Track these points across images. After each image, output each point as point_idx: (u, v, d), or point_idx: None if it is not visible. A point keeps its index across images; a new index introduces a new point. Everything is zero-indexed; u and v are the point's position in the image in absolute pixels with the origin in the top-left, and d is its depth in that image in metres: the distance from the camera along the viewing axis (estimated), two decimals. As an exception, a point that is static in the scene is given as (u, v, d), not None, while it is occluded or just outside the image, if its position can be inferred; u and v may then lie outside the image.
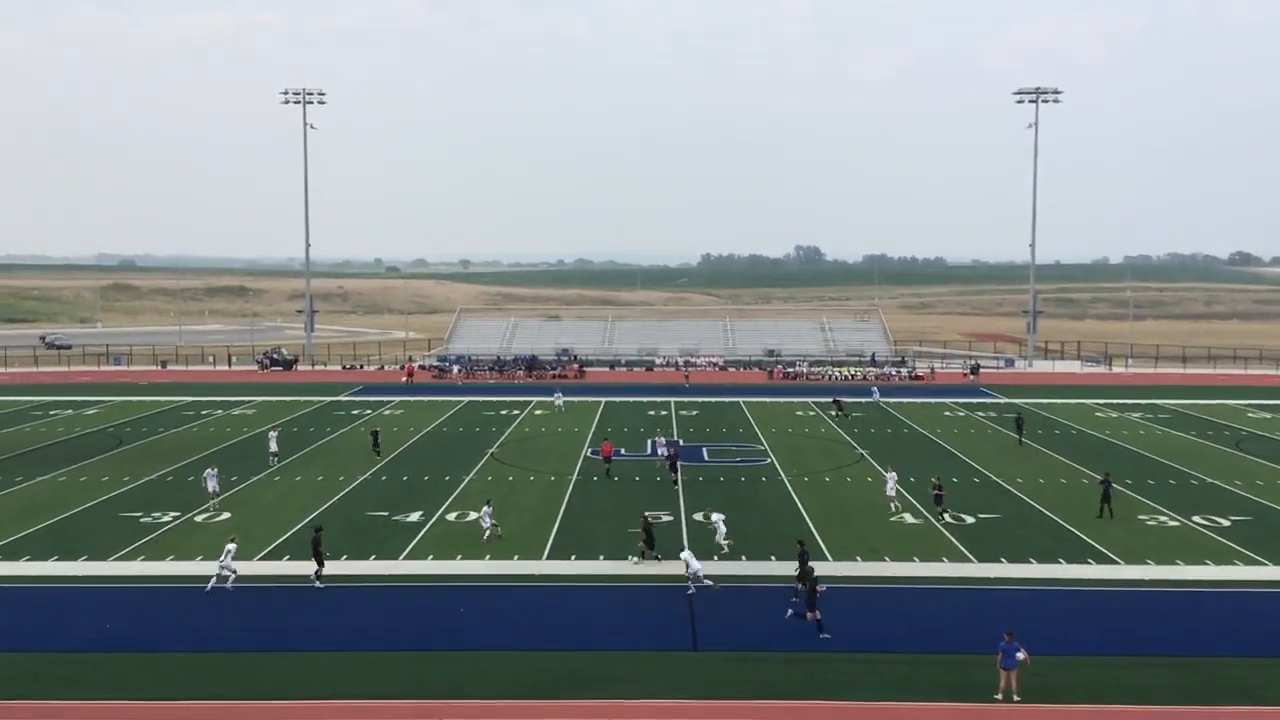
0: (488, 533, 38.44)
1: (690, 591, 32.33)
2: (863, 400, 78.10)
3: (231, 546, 33.86)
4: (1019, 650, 24.83)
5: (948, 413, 73.15)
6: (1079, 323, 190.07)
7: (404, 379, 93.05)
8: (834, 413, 71.30)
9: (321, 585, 33.46)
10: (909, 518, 42.03)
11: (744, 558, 36.28)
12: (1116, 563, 36.03)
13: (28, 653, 27.77)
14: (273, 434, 55.54)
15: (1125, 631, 29.52)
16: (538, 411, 73.04)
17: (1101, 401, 78.64)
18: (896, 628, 29.61)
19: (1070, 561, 36.15)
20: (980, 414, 72.36)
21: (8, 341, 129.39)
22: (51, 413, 72.69)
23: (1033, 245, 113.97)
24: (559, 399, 75.16)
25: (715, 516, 38.12)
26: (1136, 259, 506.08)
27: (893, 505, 42.88)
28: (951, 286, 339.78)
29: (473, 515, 42.34)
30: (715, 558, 35.92)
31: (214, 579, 33.12)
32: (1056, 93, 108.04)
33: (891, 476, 44.03)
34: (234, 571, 33.20)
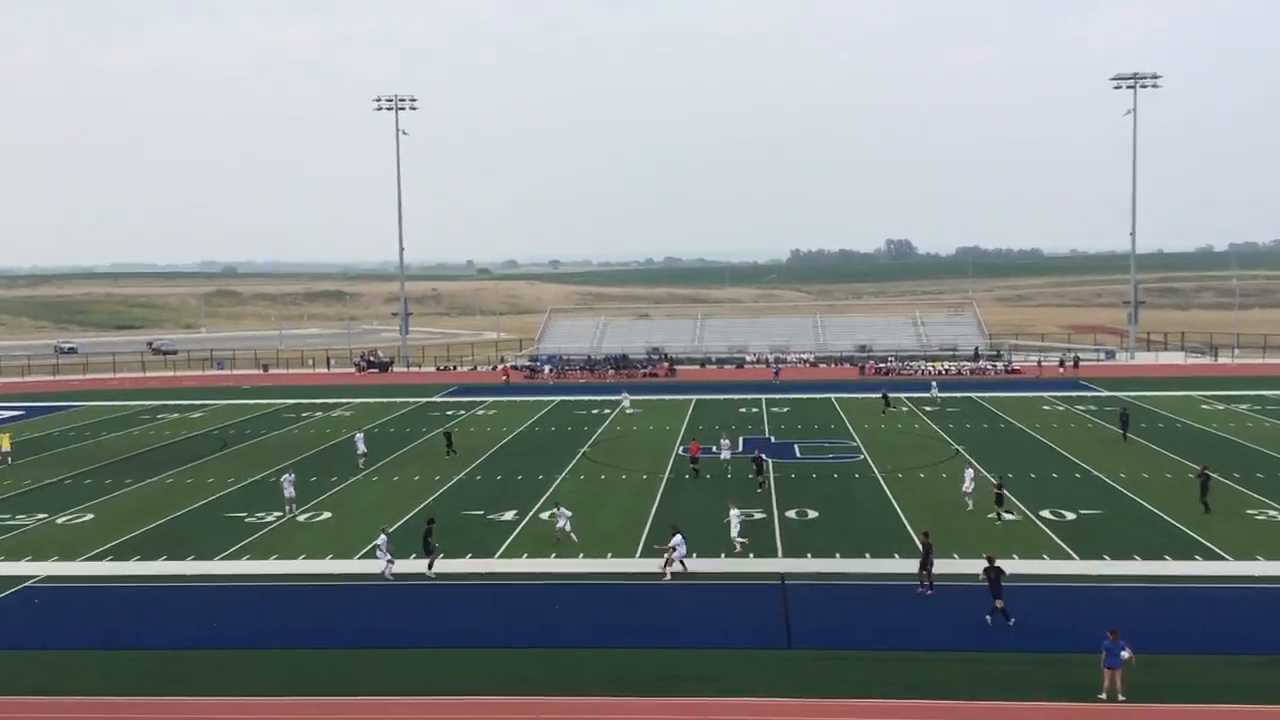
0: (560, 535, 38.51)
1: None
2: (920, 395, 76.99)
3: (383, 539, 34.72)
4: (1123, 649, 24.22)
5: (1046, 407, 71.67)
6: (1183, 313, 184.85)
7: (502, 379, 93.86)
8: (883, 410, 70.49)
9: (434, 576, 34.42)
10: (1007, 515, 41.26)
11: (838, 555, 35.96)
12: (1224, 559, 34.95)
13: (139, 650, 28.64)
14: (359, 436, 56.49)
15: (1234, 629, 28.63)
16: (628, 411, 73.29)
17: (1207, 393, 76.34)
18: (997, 626, 29.08)
19: (1176, 558, 35.18)
20: (1080, 408, 70.75)
21: (117, 348, 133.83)
22: (159, 416, 74.96)
23: (1133, 234, 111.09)
24: (626, 399, 75.28)
25: (733, 512, 37.64)
26: (1242, 246, 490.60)
27: (969, 502, 41.94)
28: (1048, 278, 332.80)
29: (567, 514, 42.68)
30: (722, 555, 35.92)
31: (386, 570, 34.12)
32: (1155, 78, 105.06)
33: (969, 473, 43.04)
34: (391, 561, 34.11)
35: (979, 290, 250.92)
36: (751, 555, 35.69)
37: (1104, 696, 24.21)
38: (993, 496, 41.29)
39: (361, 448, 54.85)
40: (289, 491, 44.06)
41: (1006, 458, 52.84)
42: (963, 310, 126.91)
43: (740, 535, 36.72)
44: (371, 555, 36.97)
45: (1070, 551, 36.15)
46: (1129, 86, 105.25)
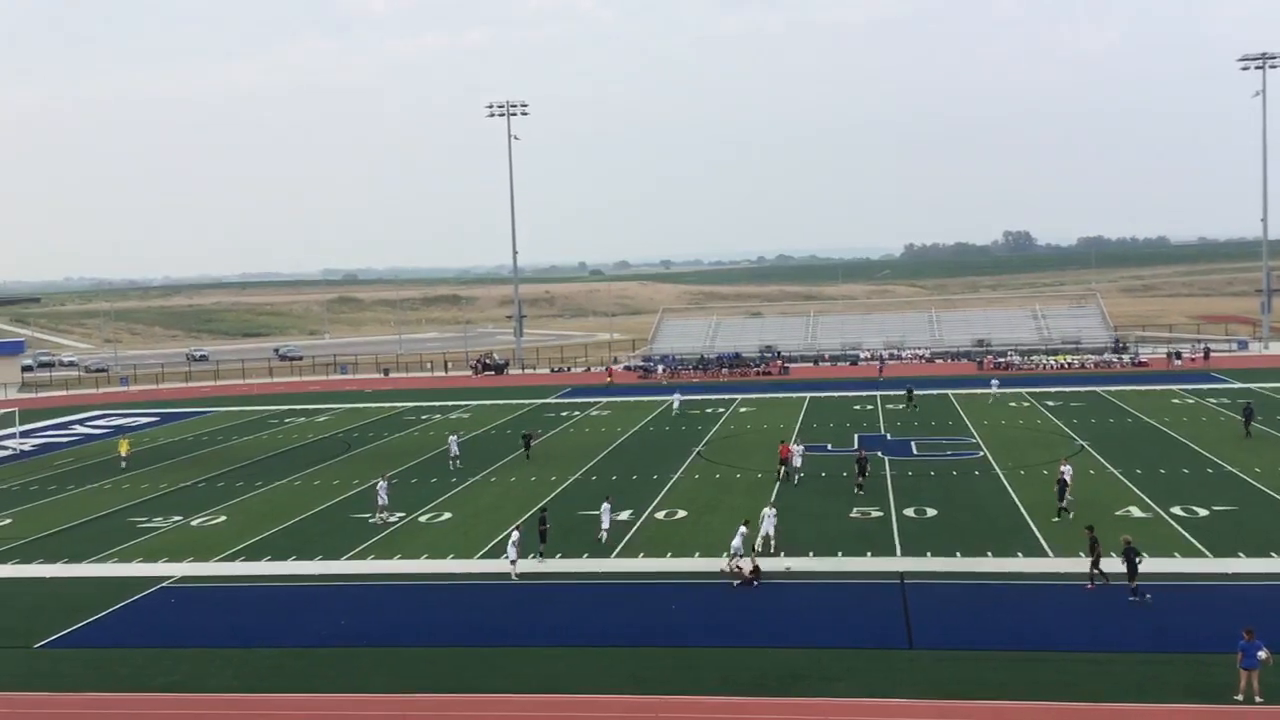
0: (604, 534, 38.68)
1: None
2: (979, 392, 75.03)
3: (516, 535, 35.46)
4: (1260, 649, 23.31)
5: (1175, 400, 69.33)
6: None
7: (606, 379, 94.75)
8: (903, 406, 69.82)
9: (542, 560, 35.90)
10: (1136, 511, 40.04)
11: (959, 553, 35.34)
12: (1371, 557, 33.37)
13: (270, 649, 29.53)
14: (453, 438, 57.37)
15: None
16: (742, 409, 73.08)
17: (1349, 384, 72.90)
18: (1126, 626, 28.25)
19: (1318, 556, 33.72)
20: (1212, 400, 68.28)
21: (245, 354, 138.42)
22: (286, 420, 77.26)
23: (1264, 219, 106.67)
24: (677, 400, 74.80)
25: (766, 511, 37.10)
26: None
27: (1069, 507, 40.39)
28: (1176, 267, 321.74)
29: (681, 513, 42.82)
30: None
31: (514, 567, 34.81)
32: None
33: (1066, 469, 41.32)
34: (514, 559, 34.79)
35: (1102, 281, 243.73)
36: (783, 554, 35.48)
37: (1240, 698, 23.33)
38: (1055, 491, 40.09)
39: (454, 450, 55.74)
40: (382, 499, 44.22)
41: (1134, 453, 51.28)
42: (1086, 301, 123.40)
43: (776, 532, 36.33)
44: (491, 555, 37.60)
45: (1203, 549, 34.92)
46: (1257, 67, 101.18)
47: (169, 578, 36.81)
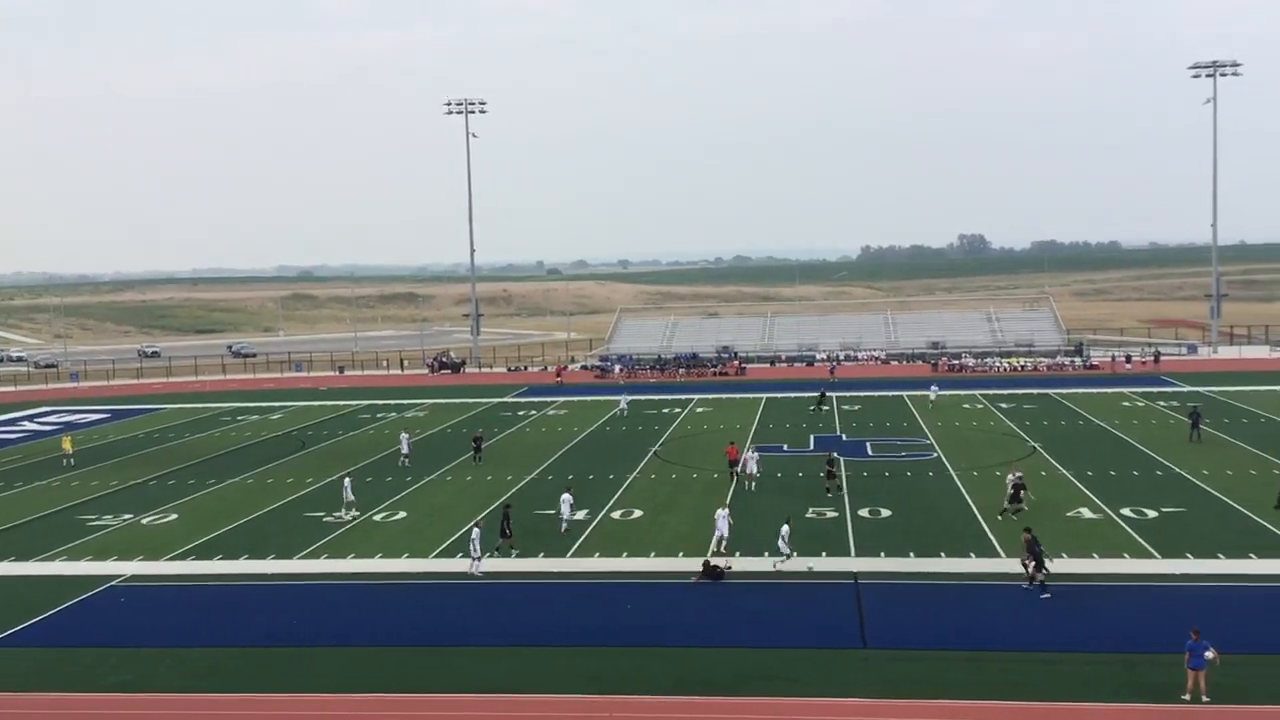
0: (565, 524, 39.65)
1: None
2: (919, 393, 75.78)
3: (476, 532, 35.34)
4: (1208, 649, 23.69)
5: (1126, 403, 70.32)
6: (1267, 305, 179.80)
7: (556, 380, 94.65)
8: (812, 408, 70.73)
9: (502, 555, 36.11)
10: (1087, 512, 40.57)
11: (912, 554, 35.62)
12: (1314, 558, 34.01)
13: (221, 648, 29.21)
14: (404, 436, 57.21)
15: (1325, 631, 27.84)
16: (699, 410, 73.24)
17: (1294, 388, 74.28)
18: (1076, 626, 28.60)
19: (1262, 556, 34.29)
20: (1162, 404, 69.31)
21: (198, 351, 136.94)
22: (239, 418, 76.48)
23: (1214, 225, 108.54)
24: (624, 401, 74.96)
25: (719, 512, 37.18)
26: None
27: (1024, 505, 40.73)
28: (1128, 271, 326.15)
29: (638, 513, 42.87)
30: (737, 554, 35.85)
31: (475, 566, 34.73)
32: (1235, 65, 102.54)
33: (1012, 476, 41.78)
34: (478, 556, 34.77)
35: (1055, 285, 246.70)
36: (766, 553, 35.43)
37: (1188, 697, 23.69)
38: (1008, 494, 40.52)
39: (405, 448, 55.60)
40: (349, 495, 44.40)
41: (1085, 455, 51.94)
42: (1039, 305, 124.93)
43: (727, 535, 36.37)
44: (446, 554, 37.45)
45: (1152, 550, 35.43)
46: (1208, 75, 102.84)
47: (119, 576, 36.33)
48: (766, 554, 35.91)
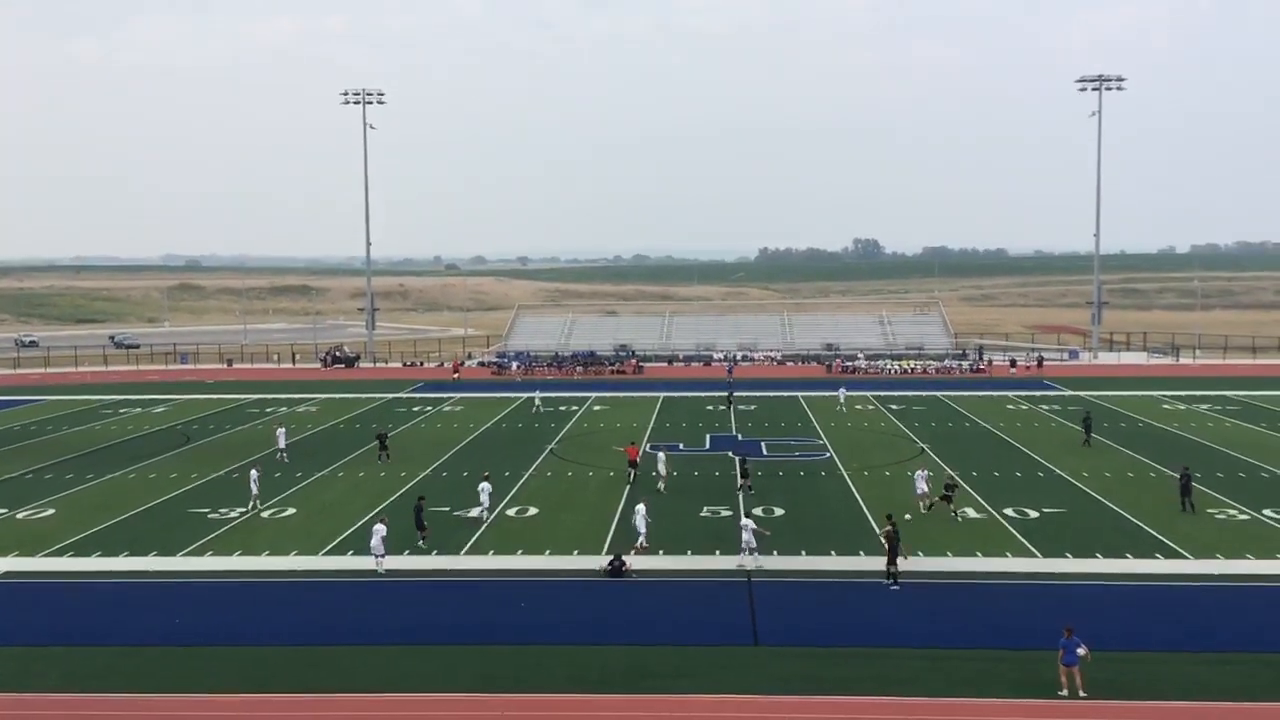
0: (484, 511, 40.59)
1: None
2: (829, 394, 77.31)
3: (381, 528, 34.77)
4: (1079, 646, 24.49)
5: (1010, 406, 72.26)
6: (1145, 313, 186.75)
7: (454, 376, 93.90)
8: (723, 407, 72.30)
9: (426, 546, 36.47)
10: (971, 512, 41.57)
11: (804, 552, 36.09)
12: (1185, 557, 35.35)
13: (100, 647, 28.33)
14: (280, 430, 56.28)
15: (1194, 627, 28.96)
16: (596, 408, 73.25)
17: (1169, 393, 77.25)
18: (960, 624, 29.30)
19: (1138, 556, 35.54)
20: (1045, 407, 71.39)
21: (78, 341, 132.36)
22: (121, 411, 74.19)
23: (1097, 235, 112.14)
24: (538, 397, 75.09)
25: (638, 508, 37.31)
26: (1204, 248, 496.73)
27: (921, 505, 41.75)
28: (1014, 278, 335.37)
29: (533, 510, 42.70)
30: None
31: (380, 563, 34.28)
32: (1120, 80, 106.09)
33: (920, 474, 42.89)
34: (383, 554, 34.34)
35: (945, 290, 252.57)
36: (661, 552, 35.94)
37: (1064, 693, 24.43)
38: (942, 497, 41.57)
39: (282, 442, 54.85)
40: (254, 488, 43.97)
41: (971, 456, 53.25)
42: (929, 310, 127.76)
43: (644, 530, 36.54)
44: (337, 551, 36.82)
45: (1033, 549, 36.45)
46: (1094, 89, 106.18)
47: (-10, 574, 34.95)
48: (661, 552, 36.06)
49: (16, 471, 52.22)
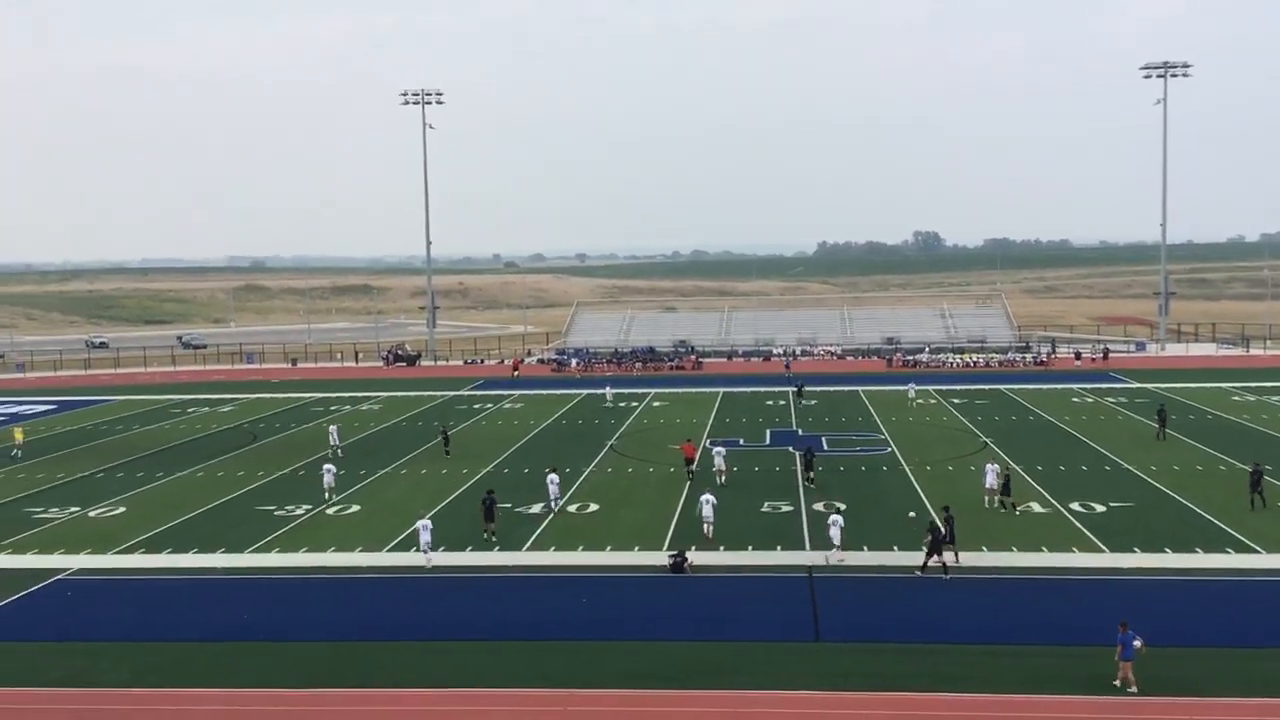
0: (555, 502, 41.49)
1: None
2: (888, 389, 76.48)
3: (426, 523, 35.28)
4: (1135, 639, 24.13)
5: (1076, 399, 71.17)
6: (1214, 304, 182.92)
7: (513, 373, 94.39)
8: (783, 402, 71.67)
9: (492, 540, 37.17)
10: (1036, 507, 41.03)
11: (866, 547, 35.84)
12: (1257, 552, 34.62)
13: (170, 642, 28.90)
14: (333, 429, 57.62)
15: (1265, 622, 28.35)
16: (656, 404, 73.30)
17: (1238, 385, 75.64)
18: (1024, 620, 28.94)
19: (1208, 551, 34.88)
20: (1110, 400, 70.22)
21: (147, 342, 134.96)
22: (189, 410, 75.56)
23: (1163, 224, 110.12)
24: (609, 391, 75.56)
25: (704, 498, 37.94)
26: (1274, 236, 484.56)
27: (987, 499, 41.20)
28: (1078, 269, 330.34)
29: (594, 506, 42.84)
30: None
31: (427, 559, 34.84)
32: (1185, 66, 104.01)
33: (991, 467, 42.29)
34: (430, 549, 34.92)
35: (1007, 282, 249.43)
36: (722, 547, 35.98)
37: (1133, 690, 24.04)
38: (996, 486, 41.13)
39: (335, 439, 56.29)
40: (329, 480, 45.14)
41: (1035, 450, 52.53)
42: (991, 302, 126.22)
43: (709, 519, 37.04)
44: (400, 548, 37.19)
45: (1100, 544, 35.91)
46: (1159, 75, 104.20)
47: (65, 570, 35.79)
48: (722, 547, 36.04)
49: (88, 470, 53.41)
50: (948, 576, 32.39)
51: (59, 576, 35.11)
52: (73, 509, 44.83)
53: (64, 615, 31.51)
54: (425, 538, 35.00)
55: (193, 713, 24.67)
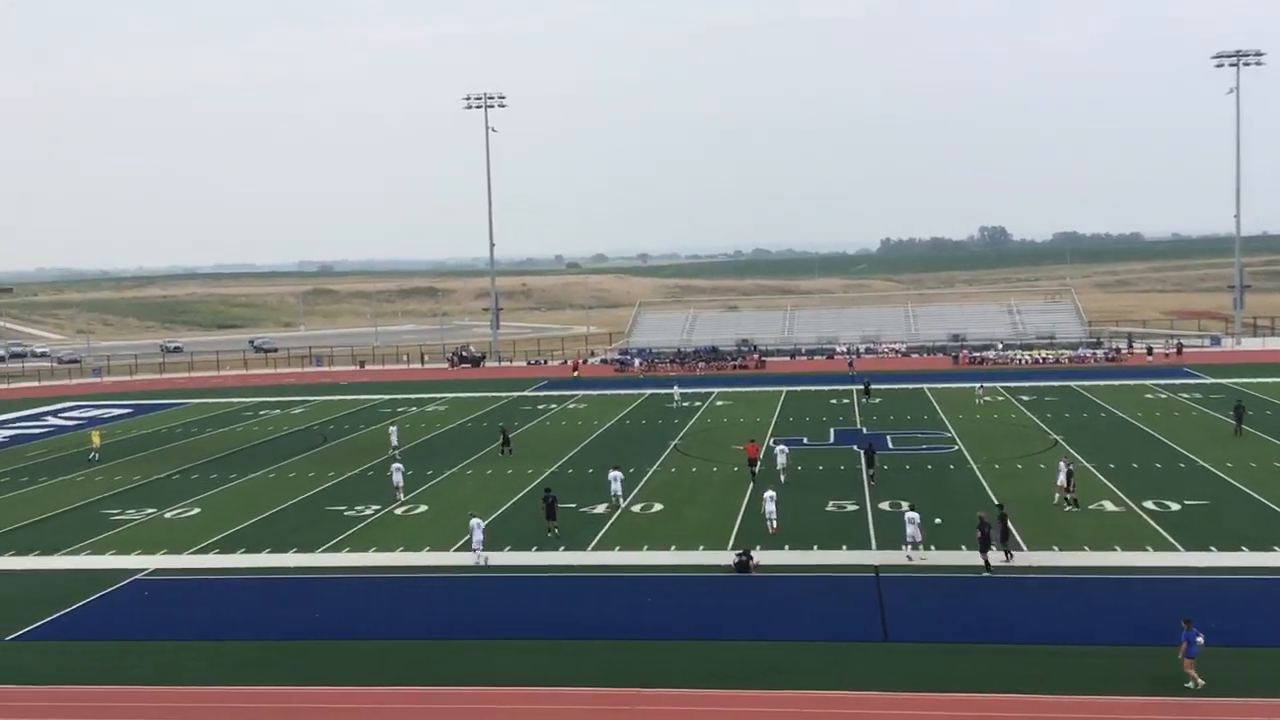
0: (619, 499, 42.25)
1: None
2: (954, 386, 75.47)
3: (479, 522, 35.80)
4: (1199, 635, 23.68)
5: (1149, 395, 69.86)
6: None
7: (573, 374, 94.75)
8: (846, 400, 71.30)
9: (556, 538, 37.70)
10: (1109, 505, 40.35)
11: (933, 547, 35.47)
12: (1340, 551, 33.74)
13: (244, 641, 29.45)
14: (393, 429, 58.57)
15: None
16: (719, 403, 73.19)
17: (1319, 379, 73.68)
18: (1095, 619, 28.48)
19: (1287, 550, 34.05)
20: (1185, 395, 68.84)
21: (220, 346, 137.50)
22: (261, 413, 76.86)
23: (1237, 216, 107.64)
24: (677, 391, 75.61)
25: (767, 494, 38.53)
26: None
27: (1057, 495, 40.59)
28: (1150, 263, 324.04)
29: (658, 506, 42.91)
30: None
31: (480, 558, 35.27)
32: (1259, 54, 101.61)
33: (1063, 464, 41.64)
34: (483, 547, 35.45)
35: (1077, 277, 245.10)
36: (787, 546, 35.98)
37: (1191, 685, 23.67)
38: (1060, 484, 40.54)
39: (395, 440, 57.20)
40: (398, 480, 45.69)
41: (1107, 447, 51.65)
42: (1060, 297, 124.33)
43: (772, 516, 37.45)
44: (467, 548, 37.47)
45: (1174, 543, 35.23)
46: (1231, 64, 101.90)
47: (142, 570, 36.58)
48: (787, 547, 35.92)
49: (164, 473, 54.56)
50: (988, 574, 32.06)
51: (136, 577, 35.89)
52: (149, 510, 45.83)
53: (141, 614, 32.22)
54: (479, 536, 35.32)
55: (266, 710, 25.06)
